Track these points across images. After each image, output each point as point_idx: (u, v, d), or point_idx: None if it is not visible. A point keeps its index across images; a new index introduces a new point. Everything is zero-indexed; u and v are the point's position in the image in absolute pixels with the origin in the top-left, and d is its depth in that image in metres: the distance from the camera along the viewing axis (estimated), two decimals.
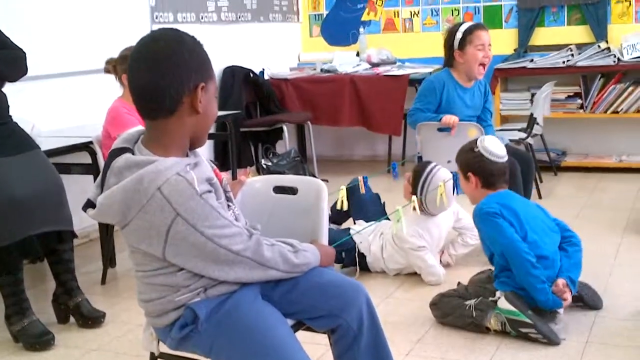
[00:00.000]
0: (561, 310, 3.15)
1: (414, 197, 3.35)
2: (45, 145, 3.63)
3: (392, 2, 7.21)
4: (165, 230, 1.89)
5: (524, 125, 5.65)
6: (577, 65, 6.15)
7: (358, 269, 3.92)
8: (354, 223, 4.19)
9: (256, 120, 6.46)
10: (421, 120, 4.49)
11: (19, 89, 3.85)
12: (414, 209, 3.24)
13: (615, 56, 6.04)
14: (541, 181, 5.74)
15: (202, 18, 6.08)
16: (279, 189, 2.56)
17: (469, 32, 4.42)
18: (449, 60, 4.53)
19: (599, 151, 6.50)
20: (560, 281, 3.09)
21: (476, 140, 3.37)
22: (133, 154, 1.97)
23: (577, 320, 3.23)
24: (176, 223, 1.88)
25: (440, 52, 4.64)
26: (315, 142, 6.63)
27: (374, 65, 6.89)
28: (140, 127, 2.09)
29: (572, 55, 6.20)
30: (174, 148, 1.98)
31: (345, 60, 6.93)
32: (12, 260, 3.25)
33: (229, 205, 2.09)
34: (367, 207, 4.17)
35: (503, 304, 3.07)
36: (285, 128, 6.23)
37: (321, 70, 6.90)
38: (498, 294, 3.14)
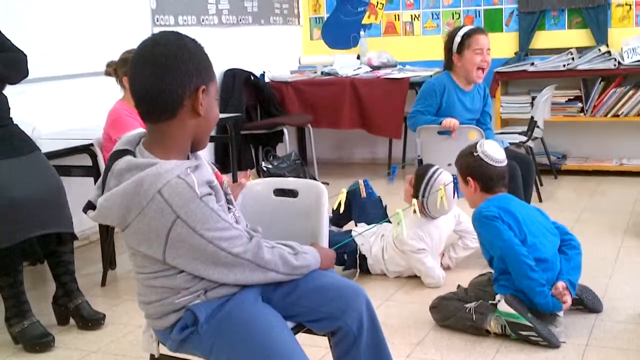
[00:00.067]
0: (561, 313, 3.15)
1: (414, 200, 3.35)
2: (45, 147, 3.64)
3: (392, 6, 7.21)
4: (166, 232, 1.89)
5: (525, 128, 5.65)
6: (578, 69, 6.16)
7: (358, 271, 3.93)
8: (356, 225, 4.20)
9: (257, 123, 6.47)
10: (421, 123, 4.50)
11: (20, 91, 3.86)
12: (415, 211, 3.25)
13: (615, 60, 6.04)
14: (541, 184, 5.75)
15: (203, 21, 6.09)
16: (280, 192, 2.56)
17: (467, 36, 4.43)
18: (449, 64, 4.54)
19: (599, 155, 6.50)
20: (560, 284, 3.09)
21: (475, 144, 3.37)
22: (134, 156, 1.98)
23: (577, 323, 3.23)
24: (176, 225, 1.89)
25: (440, 56, 4.65)
26: (315, 144, 6.64)
27: (375, 68, 6.90)
28: (142, 130, 2.10)
29: (573, 58, 6.20)
30: (175, 151, 1.99)
31: (345, 63, 6.94)
32: (12, 262, 3.25)
33: (229, 208, 2.10)
34: (369, 209, 4.17)
35: (503, 306, 3.08)
36: (285, 131, 6.23)
37: (322, 73, 6.90)
38: (498, 297, 3.15)
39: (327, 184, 5.56)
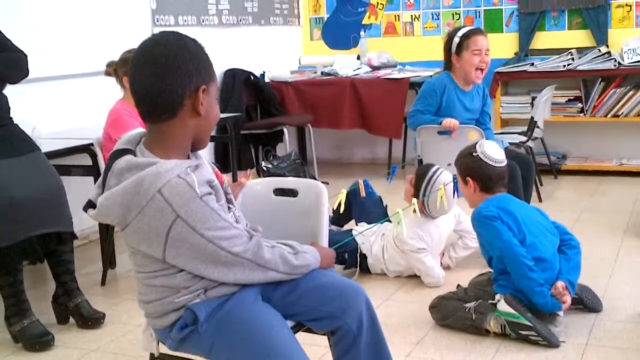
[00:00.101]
0: (561, 313, 3.15)
1: (414, 200, 3.35)
2: (45, 147, 3.64)
3: (392, 6, 7.22)
4: (165, 232, 1.90)
5: (525, 128, 5.65)
6: (578, 69, 6.16)
7: (358, 270, 3.93)
8: (357, 225, 4.20)
9: (257, 123, 6.48)
10: (421, 123, 4.50)
11: (20, 91, 3.87)
12: (414, 211, 3.25)
13: (615, 60, 6.04)
14: (541, 184, 5.75)
15: (203, 21, 6.09)
16: (280, 191, 2.56)
17: (466, 37, 4.44)
18: (448, 64, 4.56)
19: (599, 155, 6.50)
20: (560, 284, 3.09)
21: (475, 144, 3.37)
22: (135, 155, 1.98)
23: (577, 322, 3.23)
24: (176, 225, 1.89)
25: (440, 56, 4.65)
26: (315, 144, 6.64)
27: (375, 68, 6.90)
28: (142, 129, 2.10)
29: (573, 59, 6.21)
30: (175, 150, 1.99)
31: (345, 64, 6.94)
32: (12, 261, 3.26)
33: (229, 207, 2.10)
34: (369, 209, 4.18)
35: (503, 306, 3.08)
36: (285, 131, 6.24)
37: (322, 73, 6.91)
38: (497, 296, 3.15)
39: (327, 183, 5.57)
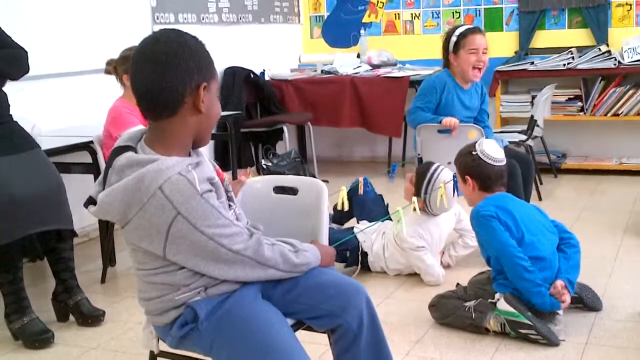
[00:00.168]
0: (561, 312, 3.15)
1: (414, 198, 3.35)
2: (45, 144, 3.64)
3: (393, 4, 7.21)
4: (166, 229, 1.90)
5: (524, 127, 5.65)
6: (578, 68, 6.16)
7: (359, 268, 3.93)
8: (358, 223, 4.20)
9: (257, 121, 6.47)
10: (421, 120, 4.51)
11: (20, 88, 3.86)
12: (415, 209, 3.25)
13: (615, 59, 6.04)
14: (541, 183, 5.75)
15: (203, 19, 6.09)
16: (280, 189, 2.56)
17: (462, 36, 4.46)
18: (447, 62, 4.57)
19: (599, 153, 6.50)
20: (559, 283, 3.09)
21: (475, 143, 3.38)
22: (136, 152, 1.98)
23: (577, 321, 3.23)
24: (177, 222, 1.89)
25: (440, 54, 4.65)
26: (315, 143, 6.64)
27: (375, 67, 6.90)
28: (142, 127, 2.10)
29: (573, 58, 6.21)
30: (176, 147, 1.99)
31: (345, 62, 6.94)
32: (12, 259, 3.26)
33: (230, 205, 2.10)
34: (370, 207, 4.18)
35: (502, 305, 3.08)
36: (285, 129, 6.24)
37: (322, 71, 6.90)
38: (497, 295, 3.15)
39: (327, 181, 5.56)
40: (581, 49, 6.33)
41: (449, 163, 3.75)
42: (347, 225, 4.34)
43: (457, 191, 3.60)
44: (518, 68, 6.41)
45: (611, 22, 6.44)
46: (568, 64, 6.20)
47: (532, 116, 5.60)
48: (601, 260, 4.01)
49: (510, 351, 3.00)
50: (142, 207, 1.89)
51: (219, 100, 2.15)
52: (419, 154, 4.57)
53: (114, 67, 3.92)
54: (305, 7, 7.52)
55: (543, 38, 6.68)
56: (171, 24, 5.68)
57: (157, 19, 5.59)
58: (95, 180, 3.15)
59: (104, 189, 1.97)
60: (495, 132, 4.90)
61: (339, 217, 4.30)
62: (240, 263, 2.00)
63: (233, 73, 6.32)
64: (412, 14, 7.17)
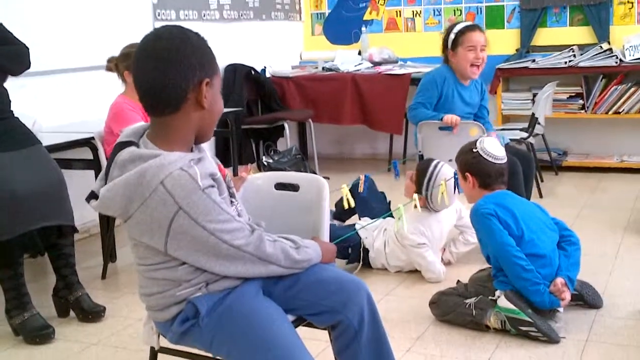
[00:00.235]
0: (561, 309, 3.15)
1: (415, 196, 3.36)
2: (46, 140, 3.64)
3: (394, 2, 7.20)
4: (167, 224, 1.90)
5: (526, 124, 5.65)
6: (579, 66, 6.16)
7: (360, 264, 3.94)
8: (359, 220, 4.21)
9: (257, 118, 6.47)
10: (422, 117, 4.50)
11: (21, 85, 3.87)
12: (415, 206, 3.25)
13: (617, 57, 6.04)
14: (542, 181, 5.75)
15: (204, 16, 6.08)
16: (281, 186, 2.56)
17: (461, 33, 4.46)
18: (447, 59, 4.57)
19: (600, 151, 6.50)
20: (559, 280, 3.09)
21: (476, 141, 3.38)
22: (138, 147, 1.98)
23: (577, 318, 3.23)
24: (178, 217, 1.89)
25: (441, 52, 4.66)
26: (316, 139, 6.64)
27: (376, 64, 6.90)
28: (145, 123, 2.10)
29: (574, 55, 6.21)
30: (178, 143, 1.99)
31: (347, 59, 6.94)
32: (13, 255, 3.26)
33: (232, 201, 2.10)
34: (371, 205, 4.18)
35: (503, 302, 3.08)
36: (286, 126, 6.24)
37: (323, 68, 6.90)
38: (497, 292, 3.15)
39: (328, 178, 5.54)
40: (582, 47, 6.32)
41: (450, 160, 3.75)
42: (348, 222, 4.35)
43: (457, 188, 3.61)
44: (519, 66, 6.41)
45: (613, 20, 6.43)
46: (569, 61, 6.20)
47: (533, 114, 5.60)
48: (602, 258, 4.01)
49: (511, 348, 3.00)
50: (144, 202, 1.89)
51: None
52: (420, 151, 4.57)
53: (115, 64, 3.92)
54: (307, 4, 7.52)
55: (544, 36, 6.67)
56: (172, 20, 5.68)
57: (159, 15, 5.59)
58: (96, 176, 3.15)
59: (106, 184, 1.97)
60: (496, 130, 4.89)
61: (339, 213, 4.30)
62: (242, 259, 2.00)
63: (234, 70, 6.32)
64: (413, 12, 7.16)
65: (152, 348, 2.27)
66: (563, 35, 6.59)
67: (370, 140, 7.34)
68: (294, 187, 2.52)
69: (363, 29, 7.29)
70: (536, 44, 6.68)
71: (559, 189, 5.81)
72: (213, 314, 2.02)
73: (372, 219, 4.06)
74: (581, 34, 6.54)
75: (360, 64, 6.87)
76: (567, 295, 3.10)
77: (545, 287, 3.07)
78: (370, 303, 2.18)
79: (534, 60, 6.36)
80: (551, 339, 3.00)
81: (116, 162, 1.96)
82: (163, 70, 1.92)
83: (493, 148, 3.32)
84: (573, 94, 6.32)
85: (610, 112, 6.18)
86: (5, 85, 3.42)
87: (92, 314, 3.45)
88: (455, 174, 3.59)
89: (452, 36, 4.47)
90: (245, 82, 6.39)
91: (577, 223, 4.63)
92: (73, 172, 4.07)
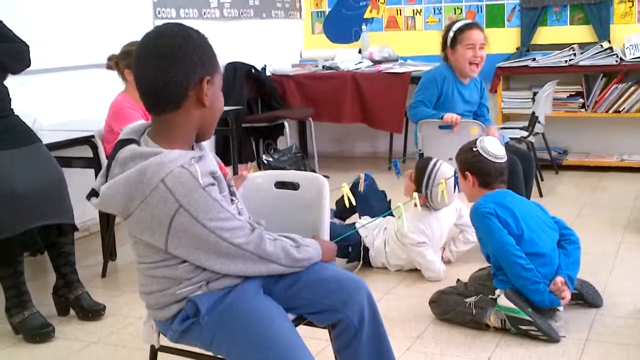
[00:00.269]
0: (561, 308, 3.15)
1: (415, 194, 3.36)
2: (46, 138, 3.64)
3: (394, 0, 7.20)
4: (168, 221, 1.90)
5: (526, 123, 5.64)
6: (579, 65, 6.16)
7: (361, 263, 3.94)
8: (360, 218, 4.21)
9: (258, 116, 6.47)
10: (422, 116, 4.50)
11: (21, 83, 3.86)
12: (415, 205, 3.25)
13: (617, 56, 6.04)
14: (542, 180, 5.75)
15: (204, 14, 6.08)
16: (281, 184, 2.56)
17: (459, 31, 4.47)
18: (446, 57, 4.57)
19: (600, 150, 6.50)
20: (559, 279, 3.09)
21: (476, 140, 3.38)
22: (139, 145, 1.98)
23: (577, 317, 3.23)
24: (179, 214, 1.89)
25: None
26: (316, 138, 6.63)
27: (376, 62, 6.90)
28: (145, 121, 2.10)
29: (575, 54, 6.20)
30: (179, 141, 1.99)
31: (347, 58, 6.93)
32: (13, 253, 3.26)
33: (232, 200, 2.10)
34: (372, 203, 4.18)
35: (503, 301, 3.08)
36: (286, 124, 6.23)
37: (323, 67, 6.90)
38: (497, 291, 3.15)
39: (328, 177, 5.54)
40: (583, 46, 6.32)
41: (451, 159, 3.75)
42: (349, 220, 4.35)
43: (457, 187, 3.60)
44: (520, 64, 6.40)
45: (613, 18, 6.43)
46: (570, 60, 6.19)
47: (533, 112, 5.60)
48: (602, 257, 4.01)
49: (511, 347, 3.00)
50: (144, 200, 1.89)
51: None
52: (420, 150, 4.57)
53: (115, 62, 3.92)
54: (307, 3, 7.52)
55: (545, 34, 6.67)
56: (172, 18, 5.68)
57: (159, 14, 5.59)
58: (96, 174, 3.14)
59: (107, 182, 1.97)
60: (495, 125, 4.89)
61: (340, 212, 4.30)
62: (242, 257, 2.00)
63: (234, 68, 6.31)
64: (413, 10, 7.16)
65: (152, 346, 2.27)
66: (563, 33, 6.58)
67: (370, 138, 7.34)
68: (294, 186, 2.52)
69: (363, 27, 7.29)
70: (536, 42, 6.68)
71: (559, 188, 5.81)
72: (213, 312, 2.02)
73: (372, 217, 4.06)
74: (581, 33, 6.54)
75: (360, 62, 6.87)
76: (567, 294, 3.10)
77: (545, 286, 3.07)
78: (370, 302, 2.17)
79: (534, 59, 6.36)
80: (551, 338, 3.00)
81: (117, 159, 1.96)
82: (164, 68, 1.92)
83: (493, 147, 3.32)
84: (573, 93, 6.32)
85: (610, 111, 6.18)
86: (6, 83, 3.42)
87: (92, 312, 3.45)
88: (455, 172, 3.58)
89: (450, 34, 4.48)
90: (246, 80, 6.39)
91: (577, 222, 4.63)
92: (73, 171, 4.07)
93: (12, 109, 3.42)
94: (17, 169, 3.19)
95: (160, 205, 1.88)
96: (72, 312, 3.50)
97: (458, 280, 3.43)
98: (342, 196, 3.17)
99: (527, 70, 6.37)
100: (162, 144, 1.97)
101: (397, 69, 6.59)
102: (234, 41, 6.44)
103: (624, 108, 6.13)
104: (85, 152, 4.06)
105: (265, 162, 5.53)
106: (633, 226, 4.59)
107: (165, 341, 2.19)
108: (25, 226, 3.19)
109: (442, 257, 3.97)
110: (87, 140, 4.00)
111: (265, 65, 6.77)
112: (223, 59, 6.20)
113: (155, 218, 1.90)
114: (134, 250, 2.06)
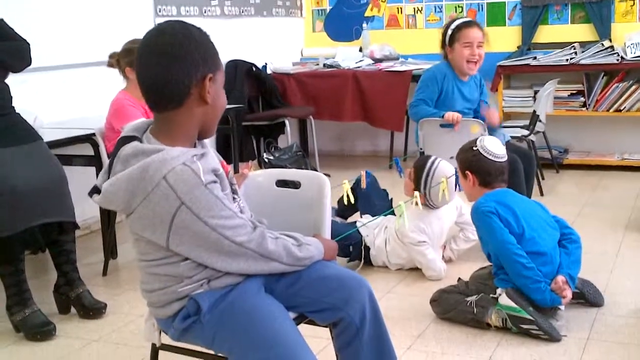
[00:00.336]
0: (562, 307, 3.15)
1: (416, 193, 3.35)
2: (47, 136, 3.64)
3: None
4: (170, 218, 1.89)
5: (527, 122, 5.64)
6: (580, 64, 6.15)
7: (362, 262, 3.94)
8: (361, 217, 4.21)
9: (258, 114, 6.47)
10: (423, 114, 4.50)
11: (22, 80, 3.86)
12: (416, 204, 3.25)
13: (618, 55, 6.04)
14: (543, 178, 5.75)
15: (205, 12, 6.08)
16: (282, 183, 2.56)
17: (457, 29, 4.47)
18: (445, 55, 4.58)
19: (601, 149, 6.50)
20: (560, 278, 3.09)
21: (476, 139, 3.38)
22: (141, 142, 1.98)
23: (578, 317, 3.23)
24: (180, 212, 1.89)
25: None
26: (317, 136, 6.63)
27: (377, 61, 6.89)
28: (147, 119, 2.10)
29: (576, 53, 6.20)
30: (181, 139, 1.99)
31: (348, 56, 6.93)
32: (13, 251, 3.26)
33: (234, 198, 2.10)
34: (373, 201, 4.18)
35: (504, 300, 3.08)
36: (287, 122, 6.23)
37: (324, 65, 6.90)
38: (499, 290, 3.15)
39: (329, 175, 5.55)
40: (584, 44, 6.32)
41: (451, 158, 3.74)
42: (350, 219, 4.35)
43: (458, 186, 3.60)
44: (520, 63, 6.40)
45: (614, 17, 6.42)
46: (571, 59, 6.19)
47: (534, 111, 5.59)
48: (603, 256, 4.01)
49: (512, 346, 3.00)
50: (146, 197, 1.89)
51: None
52: (421, 149, 4.57)
53: (116, 60, 3.92)
54: (308, 1, 7.51)
55: (546, 33, 6.67)
56: (173, 16, 5.67)
57: (160, 11, 5.58)
58: (97, 172, 3.14)
59: (109, 178, 1.97)
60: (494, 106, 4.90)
61: (342, 210, 4.30)
62: (244, 255, 2.00)
63: (235, 66, 6.31)
64: (414, 8, 7.15)
65: (153, 345, 2.26)
66: (564, 32, 6.58)
67: (371, 137, 7.34)
68: (295, 185, 2.52)
69: (364, 25, 7.29)
70: (537, 41, 6.68)
71: (559, 186, 5.81)
72: (215, 310, 2.02)
73: (373, 216, 4.06)
74: (582, 32, 6.54)
75: (361, 60, 6.86)
76: (568, 293, 3.10)
77: (546, 285, 3.07)
78: (371, 300, 2.17)
79: (535, 58, 6.36)
80: (552, 337, 3.00)
81: (119, 156, 1.96)
82: (166, 65, 1.92)
83: (493, 146, 3.32)
84: (574, 92, 6.32)
85: (611, 110, 6.18)
86: (7, 81, 3.42)
87: (93, 310, 3.45)
88: (456, 170, 3.58)
89: (449, 32, 4.49)
90: (246, 78, 6.39)
91: (578, 221, 4.63)
92: (74, 168, 4.07)
93: (13, 107, 3.42)
94: (18, 167, 3.19)
95: (162, 202, 1.88)
96: (73, 310, 3.50)
97: (459, 279, 3.42)
98: (347, 196, 3.17)
99: (528, 68, 6.37)
100: (164, 141, 1.97)
101: (398, 67, 6.59)
102: (235, 39, 6.44)
103: (624, 107, 6.13)
104: (86, 150, 4.05)
105: (266, 160, 5.53)
106: (634, 225, 4.59)
107: (166, 339, 2.19)
108: (26, 224, 3.19)
109: (442, 256, 3.97)
110: (88, 138, 4.00)
111: (266, 64, 6.76)
112: (224, 57, 6.08)
113: (157, 215, 1.90)
114: (135, 247, 2.06)
